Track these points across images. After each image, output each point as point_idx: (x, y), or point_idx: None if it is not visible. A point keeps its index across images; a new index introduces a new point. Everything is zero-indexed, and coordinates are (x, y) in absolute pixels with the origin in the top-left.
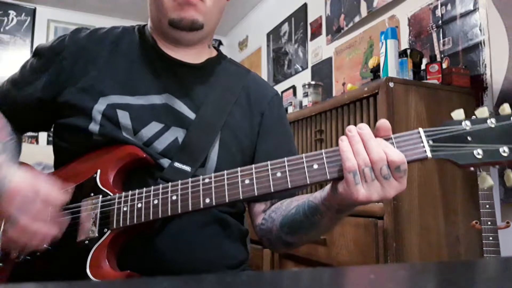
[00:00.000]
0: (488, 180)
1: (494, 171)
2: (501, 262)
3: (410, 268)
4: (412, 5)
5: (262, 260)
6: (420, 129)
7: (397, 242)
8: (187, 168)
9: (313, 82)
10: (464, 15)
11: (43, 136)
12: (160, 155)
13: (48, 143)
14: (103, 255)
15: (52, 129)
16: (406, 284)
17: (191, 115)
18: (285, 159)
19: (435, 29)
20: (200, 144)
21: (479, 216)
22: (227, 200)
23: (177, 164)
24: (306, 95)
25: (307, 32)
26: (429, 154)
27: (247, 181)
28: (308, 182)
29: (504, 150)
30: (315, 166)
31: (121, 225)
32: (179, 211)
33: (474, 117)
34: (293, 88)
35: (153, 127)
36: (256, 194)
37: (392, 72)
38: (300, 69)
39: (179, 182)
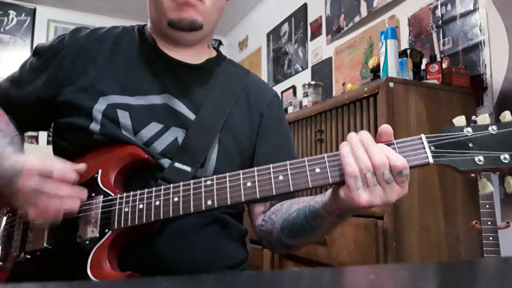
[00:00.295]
0: (488, 186)
1: (495, 174)
2: (501, 262)
3: (410, 268)
4: (412, 5)
5: (262, 260)
6: (422, 135)
7: (397, 242)
8: (187, 168)
9: (313, 82)
10: (464, 15)
11: (43, 136)
12: (160, 155)
13: (48, 143)
14: (103, 255)
15: (52, 129)
16: (406, 284)
17: (191, 115)
18: (287, 162)
19: (435, 29)
20: (199, 145)
21: (479, 216)
22: (229, 203)
23: (177, 164)
24: (306, 95)
25: (307, 32)
26: (431, 160)
27: (249, 184)
28: (310, 185)
29: (505, 157)
30: (317, 170)
31: (122, 225)
32: (181, 213)
33: (475, 123)
34: (293, 88)
35: (153, 128)
36: (258, 196)
37: (392, 72)
38: (300, 69)
39: (181, 183)
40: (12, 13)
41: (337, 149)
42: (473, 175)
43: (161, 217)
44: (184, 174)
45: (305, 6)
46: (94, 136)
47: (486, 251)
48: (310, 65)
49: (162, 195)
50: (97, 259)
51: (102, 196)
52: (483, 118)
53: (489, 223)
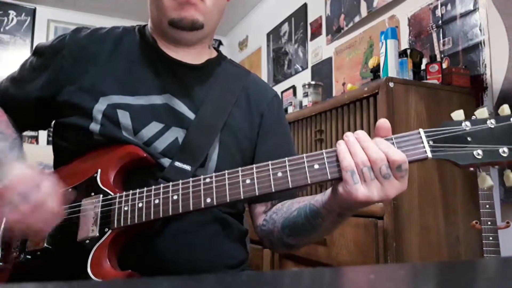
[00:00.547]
0: (487, 180)
1: (494, 171)
2: (501, 262)
3: (410, 268)
4: (412, 5)
5: (262, 260)
6: (421, 130)
7: (397, 242)
8: (188, 168)
9: (313, 82)
10: (464, 15)
11: (43, 136)
12: (161, 155)
13: (48, 143)
14: (104, 254)
15: (52, 128)
16: (406, 284)
17: (191, 115)
18: (286, 159)
19: (435, 29)
20: (200, 144)
21: (479, 216)
22: (228, 200)
23: (177, 164)
24: (306, 95)
25: (307, 32)
26: (429, 155)
27: (248, 181)
28: (309, 182)
29: (503, 150)
30: (316, 166)
31: (122, 224)
32: (180, 211)
33: (474, 117)
34: (293, 88)
35: (153, 127)
36: (257, 193)
37: (392, 72)
38: (300, 69)
39: (180, 181)
40: (12, 13)
41: None
42: (472, 169)
43: (161, 216)
44: (184, 173)
45: (305, 6)
46: (94, 137)
47: (486, 251)
48: (310, 65)
49: (161, 194)
50: (97, 258)
51: (101, 196)
52: (481, 112)
53: (489, 223)
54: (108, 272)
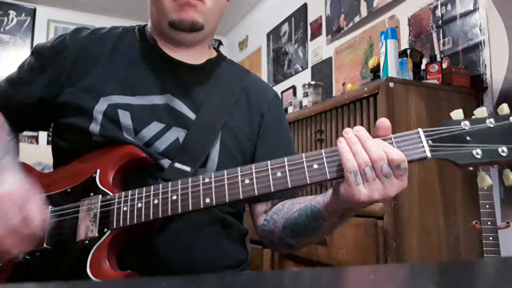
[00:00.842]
0: (487, 179)
1: (494, 171)
2: (501, 262)
3: (410, 268)
4: (412, 5)
5: (262, 260)
6: (420, 129)
7: (397, 242)
8: (188, 169)
9: (313, 82)
10: (464, 15)
11: (43, 136)
12: (161, 156)
13: (48, 143)
14: (103, 255)
15: (51, 129)
16: (406, 284)
17: (192, 115)
18: (285, 158)
19: (435, 29)
20: (200, 145)
21: (479, 216)
22: (227, 200)
23: (177, 165)
24: (306, 95)
25: (307, 32)
26: (428, 154)
27: (247, 181)
28: (308, 182)
29: (503, 150)
30: (315, 166)
31: (121, 225)
32: (179, 211)
33: (473, 117)
34: (293, 88)
35: (154, 127)
36: (256, 194)
37: (392, 72)
38: (300, 69)
39: (179, 181)
40: (12, 13)
41: None
42: (471, 168)
43: (160, 216)
44: (184, 174)
45: (305, 6)
46: (93, 138)
47: (486, 251)
48: (310, 65)
49: (160, 194)
50: (96, 258)
51: (100, 196)
52: (481, 111)
53: (489, 223)
54: (107, 272)
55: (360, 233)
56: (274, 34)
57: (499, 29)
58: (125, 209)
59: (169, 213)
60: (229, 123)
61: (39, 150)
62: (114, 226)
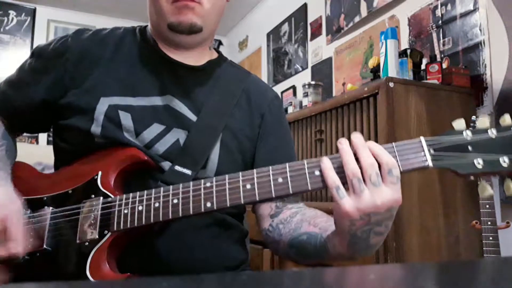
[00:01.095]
0: (488, 189)
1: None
2: (501, 262)
3: (410, 268)
4: (412, 5)
5: (262, 260)
6: (422, 138)
7: (397, 242)
8: (188, 172)
9: (313, 82)
10: (464, 15)
11: (43, 136)
12: (161, 158)
13: (48, 143)
14: (103, 257)
15: (52, 130)
16: (406, 284)
17: (192, 117)
18: (287, 164)
19: (435, 29)
20: (201, 147)
21: (479, 216)
22: (228, 205)
23: (177, 168)
24: (306, 95)
25: (307, 32)
26: (430, 163)
27: (248, 186)
28: (310, 188)
29: (504, 160)
30: (317, 173)
31: (121, 227)
32: (180, 215)
33: (475, 123)
34: (293, 88)
35: (154, 129)
36: (257, 199)
37: (392, 72)
38: (300, 69)
39: (180, 185)
40: (12, 13)
41: (337, 149)
42: (472, 178)
43: (160, 219)
44: (184, 177)
45: (305, 6)
46: (94, 139)
47: (486, 251)
48: (310, 65)
49: (161, 197)
50: (96, 261)
51: (101, 198)
52: (483, 121)
53: (489, 223)
54: (107, 275)
55: None
56: (274, 34)
57: (499, 29)
58: (125, 211)
59: (170, 217)
60: (230, 124)
61: (39, 150)
62: (115, 229)
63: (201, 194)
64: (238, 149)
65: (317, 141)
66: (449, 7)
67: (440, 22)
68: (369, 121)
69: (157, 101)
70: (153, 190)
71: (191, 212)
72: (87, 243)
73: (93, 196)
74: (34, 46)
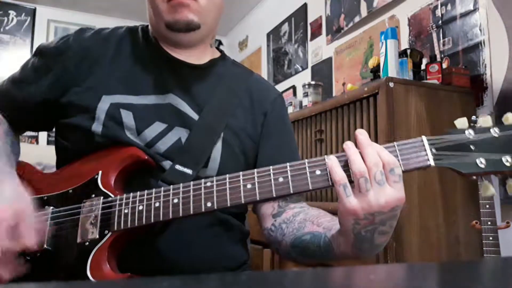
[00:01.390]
0: (490, 189)
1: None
2: (501, 262)
3: (410, 268)
4: (412, 5)
5: (262, 260)
6: (424, 137)
7: (397, 242)
8: (189, 171)
9: (313, 82)
10: (464, 15)
11: (43, 136)
12: (162, 157)
13: (48, 143)
14: (103, 257)
15: (54, 129)
16: (406, 284)
17: (194, 115)
18: (287, 164)
19: (435, 29)
20: (202, 146)
21: (479, 216)
22: (228, 204)
23: (178, 167)
24: (306, 95)
25: (307, 32)
26: (432, 163)
27: (249, 186)
28: (311, 188)
29: (507, 159)
30: (318, 172)
31: (122, 227)
32: (181, 214)
33: (475, 122)
34: (293, 88)
35: (156, 127)
36: (258, 198)
37: (392, 72)
38: (300, 69)
39: (181, 185)
40: (12, 13)
41: (337, 149)
42: (474, 177)
43: (161, 219)
44: (185, 176)
45: (305, 6)
46: (95, 138)
47: (486, 251)
48: (310, 65)
49: (162, 197)
50: (96, 260)
51: (102, 197)
52: (485, 120)
53: (489, 223)
54: (107, 274)
55: None
56: (274, 34)
57: (499, 29)
58: (126, 211)
59: (170, 217)
60: (232, 123)
61: (39, 150)
62: (115, 228)
63: (201, 194)
64: (240, 148)
65: (317, 141)
66: (449, 7)
67: (440, 22)
68: (369, 121)
69: (159, 99)
70: (154, 190)
71: (191, 212)
72: (87, 243)
73: (93, 195)
74: (34, 46)
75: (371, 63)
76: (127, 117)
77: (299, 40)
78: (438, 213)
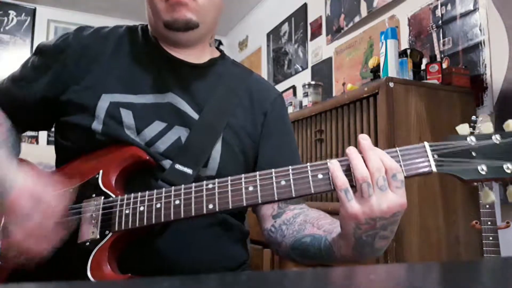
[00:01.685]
0: (490, 195)
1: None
2: (501, 262)
3: (410, 268)
4: (412, 5)
5: (262, 260)
6: (426, 143)
7: (397, 242)
8: (189, 171)
9: (313, 82)
10: (464, 15)
11: (43, 136)
12: (162, 156)
13: (48, 143)
14: (104, 257)
15: (54, 128)
16: (406, 284)
17: (194, 114)
18: (290, 167)
19: (435, 29)
20: (202, 145)
21: (479, 216)
22: (230, 207)
23: (178, 166)
24: (306, 95)
25: (307, 32)
26: (434, 169)
27: (251, 188)
28: (313, 191)
29: (508, 166)
30: (320, 176)
31: (123, 227)
32: (182, 216)
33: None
34: (293, 88)
35: (156, 126)
36: (260, 201)
37: (392, 72)
38: (300, 69)
39: (182, 186)
40: (12, 13)
41: (337, 149)
42: (475, 184)
43: (162, 220)
44: (185, 176)
45: (305, 6)
46: (96, 136)
47: (486, 251)
48: (310, 65)
49: (163, 198)
50: (97, 261)
51: (102, 197)
52: (486, 126)
53: (489, 223)
54: (108, 275)
55: None
56: (274, 34)
57: (499, 29)
58: (127, 212)
59: (172, 218)
60: (232, 123)
61: (39, 150)
62: (116, 229)
63: (203, 196)
64: (240, 148)
65: (317, 141)
66: (449, 7)
67: (440, 22)
68: (369, 121)
69: (158, 98)
70: (155, 191)
71: (192, 214)
72: (88, 243)
73: (94, 195)
74: (34, 46)
75: (371, 63)
76: (127, 116)
77: (299, 40)
78: (438, 213)
